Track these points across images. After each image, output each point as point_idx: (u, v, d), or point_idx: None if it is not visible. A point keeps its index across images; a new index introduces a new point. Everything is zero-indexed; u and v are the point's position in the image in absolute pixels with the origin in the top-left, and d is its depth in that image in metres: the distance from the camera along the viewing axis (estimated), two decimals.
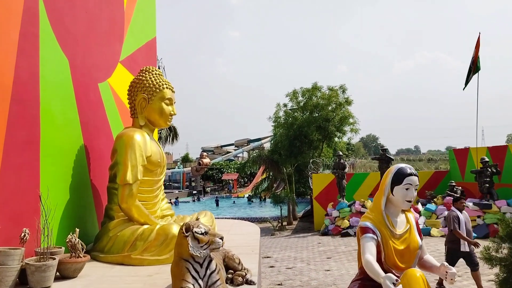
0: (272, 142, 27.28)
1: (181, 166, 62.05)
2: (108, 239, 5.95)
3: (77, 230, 5.10)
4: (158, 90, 6.59)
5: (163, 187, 7.37)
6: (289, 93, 21.78)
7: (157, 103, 6.58)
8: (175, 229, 5.76)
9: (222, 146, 70.47)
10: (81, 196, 6.54)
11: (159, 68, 15.59)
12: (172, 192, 49.17)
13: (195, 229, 3.93)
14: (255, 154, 27.22)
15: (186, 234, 3.89)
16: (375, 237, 3.90)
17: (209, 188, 51.67)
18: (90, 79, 6.94)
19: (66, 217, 5.99)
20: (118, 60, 8.04)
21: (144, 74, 6.71)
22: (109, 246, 5.89)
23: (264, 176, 28.17)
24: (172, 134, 18.50)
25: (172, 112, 6.77)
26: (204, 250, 3.91)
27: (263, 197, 31.80)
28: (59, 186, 5.85)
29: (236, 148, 67.49)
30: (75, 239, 4.95)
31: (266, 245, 14.72)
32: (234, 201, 38.51)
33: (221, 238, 3.99)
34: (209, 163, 56.01)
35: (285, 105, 22.12)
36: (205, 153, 59.01)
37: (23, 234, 4.64)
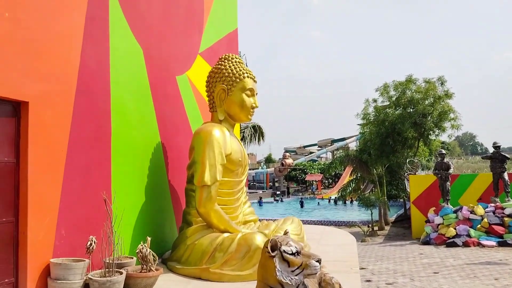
0: (359, 141, 25.64)
1: (265, 166, 62.02)
2: (185, 248, 5.28)
3: (149, 239, 4.45)
4: (238, 80, 5.81)
5: (245, 189, 6.58)
6: (380, 87, 20.07)
7: (238, 94, 5.81)
8: (259, 240, 4.92)
9: (304, 147, 69.39)
10: (158, 199, 5.97)
11: None
12: (256, 192, 49.14)
13: (283, 248, 3.01)
14: (340, 154, 25.77)
15: (273, 254, 2.98)
16: None
17: (292, 189, 50.83)
18: (167, 72, 6.37)
19: (141, 222, 5.42)
20: (197, 52, 7.43)
21: (223, 63, 5.98)
22: (186, 256, 5.21)
23: (351, 177, 26.57)
24: (258, 133, 17.73)
25: (254, 105, 5.95)
26: (296, 275, 2.97)
27: (350, 200, 30.11)
28: (132, 188, 5.30)
29: (319, 148, 66.00)
30: (146, 250, 4.30)
31: (358, 254, 13.39)
32: (318, 203, 37.23)
33: (319, 261, 3.01)
34: (292, 163, 55.21)
35: (374, 101, 20.44)
36: (287, 154, 58.31)
37: (89, 243, 4.09)
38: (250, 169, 63.99)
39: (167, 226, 6.16)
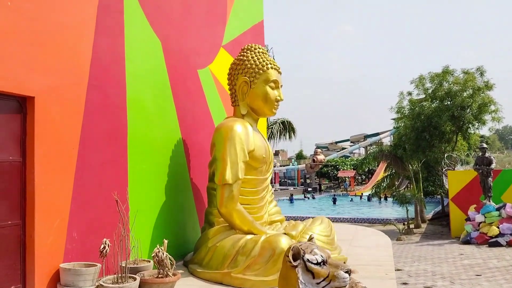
0: (393, 135, 24.79)
1: (296, 163, 61.53)
2: (206, 250, 4.98)
3: (165, 242, 4.17)
4: (261, 72, 5.45)
5: (270, 188, 6.24)
6: (415, 79, 19.20)
7: (261, 87, 5.45)
8: (284, 243, 4.56)
9: (336, 142, 68.39)
10: (180, 198, 5.71)
11: None
12: (287, 189, 48.77)
13: (307, 256, 2.64)
14: (373, 150, 24.96)
15: (294, 264, 2.62)
16: None
17: (324, 186, 50.10)
18: (187, 65, 6.09)
19: (161, 223, 5.17)
20: (220, 44, 7.12)
21: (245, 53, 5.63)
22: (208, 259, 4.92)
23: (385, 174, 25.73)
24: (288, 129, 17.20)
25: (278, 98, 5.58)
26: None
27: (384, 196, 29.19)
28: (151, 187, 5.05)
29: (352, 144, 64.87)
30: (163, 253, 4.03)
31: (393, 254, 12.79)
32: (351, 199, 36.45)
33: (348, 272, 2.62)
34: (324, 159, 54.50)
35: (409, 94, 19.58)
36: (319, 150, 57.64)
37: (102, 246, 3.85)
38: (281, 166, 63.64)
39: (190, 227, 5.90)
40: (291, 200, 32.34)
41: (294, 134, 17.49)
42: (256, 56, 5.56)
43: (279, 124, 16.05)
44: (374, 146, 43.81)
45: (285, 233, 5.53)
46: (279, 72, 5.68)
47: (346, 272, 2.60)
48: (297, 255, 2.65)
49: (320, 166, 54.61)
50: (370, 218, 23.20)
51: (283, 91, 5.70)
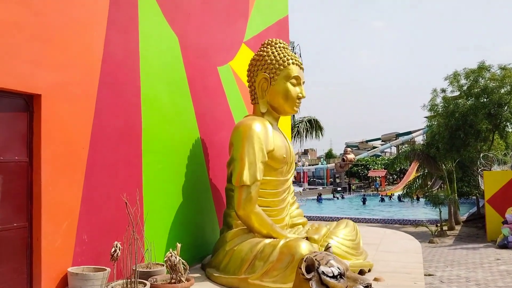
0: (426, 134, 23.96)
1: (324, 162, 60.87)
2: (224, 254, 4.79)
3: (179, 245, 4.00)
4: (282, 67, 5.21)
5: (292, 188, 5.99)
6: (449, 76, 18.41)
7: (281, 83, 5.20)
8: (304, 248, 4.31)
9: (367, 141, 67.16)
10: (198, 199, 5.54)
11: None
12: (316, 188, 48.23)
13: (322, 268, 2.39)
14: (405, 149, 24.23)
15: (308, 277, 2.37)
16: None
17: (354, 185, 49.23)
18: (207, 62, 5.91)
19: (178, 224, 5.01)
20: (241, 41, 6.91)
21: (265, 49, 5.40)
22: (225, 263, 4.72)
23: (417, 173, 24.94)
24: (315, 127, 16.71)
25: (300, 95, 5.32)
26: None
27: (416, 197, 28.29)
28: (168, 188, 4.90)
29: (383, 143, 63.57)
30: (176, 258, 3.85)
31: (425, 258, 12.25)
32: (383, 199, 35.60)
33: (368, 286, 2.35)
34: (354, 159, 53.64)
35: (443, 91, 18.82)
36: (349, 149, 56.82)
37: (113, 249, 3.71)
38: (309, 165, 63.04)
39: (209, 228, 5.72)
40: (319, 199, 31.87)
41: (321, 133, 17.05)
42: (276, 51, 5.31)
43: (305, 122, 15.66)
44: (406, 145, 42.71)
45: (306, 237, 5.31)
46: (301, 68, 5.41)
47: (365, 286, 2.34)
48: (311, 266, 2.40)
49: (350, 165, 53.81)
50: (401, 219, 22.51)
51: (305, 88, 5.43)
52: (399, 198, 32.15)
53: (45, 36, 3.40)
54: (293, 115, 15.09)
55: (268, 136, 4.96)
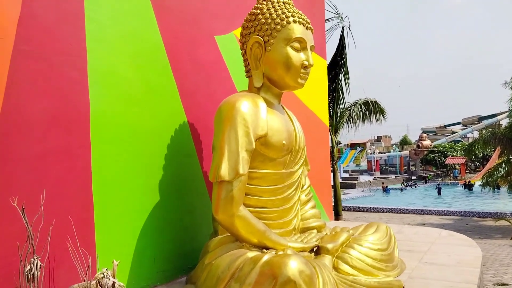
0: (510, 116, 21.05)
1: (397, 149, 57.60)
2: (202, 268, 3.74)
3: (115, 263, 3.02)
4: (279, 27, 4.00)
5: (307, 184, 4.80)
6: None
7: (279, 48, 4.00)
8: (293, 267, 3.12)
9: (446, 126, 62.46)
10: (187, 197, 4.57)
11: (342, 29, 12.69)
12: (388, 177, 45.71)
13: None
14: (487, 133, 21.53)
15: None
16: None
17: (430, 174, 45.72)
18: (198, 30, 4.86)
19: (154, 230, 4.07)
20: (253, 4, 5.74)
21: (260, 5, 4.22)
22: (202, 280, 3.67)
23: (500, 160, 22.10)
24: (375, 110, 14.79)
25: (306, 63, 4.07)
26: None
27: (497, 186, 25.04)
28: (136, 185, 3.95)
29: (464, 127, 58.60)
30: (109, 278, 2.89)
31: (500, 260, 10.25)
32: (464, 187, 32.46)
33: None
34: (430, 145, 50.02)
35: None
36: (425, 135, 53.29)
37: (29, 267, 2.84)
38: (381, 152, 59.81)
39: (202, 231, 4.70)
40: (386, 190, 29.68)
41: (383, 116, 15.17)
42: (274, 7, 4.11)
43: (359, 105, 13.99)
44: (490, 129, 38.89)
45: (318, 247, 4.12)
46: (308, 29, 4.16)
47: None
48: None
49: (426, 152, 50.48)
50: (479, 211, 20.04)
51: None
52: (468, 186, 29.19)
53: None
54: (342, 95, 13.45)
55: (258, 117, 3.82)
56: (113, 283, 2.88)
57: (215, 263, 3.60)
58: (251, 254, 3.47)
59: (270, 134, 3.87)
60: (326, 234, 4.41)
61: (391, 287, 3.81)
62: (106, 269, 2.93)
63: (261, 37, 4.03)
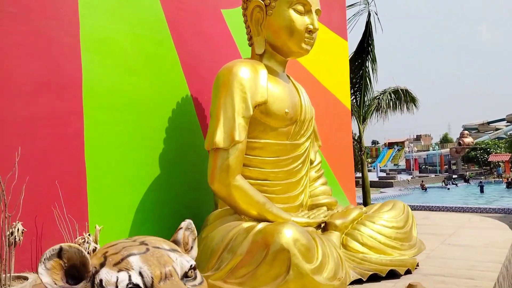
0: None
1: (437, 147, 55.55)
2: (200, 241, 3.57)
3: (98, 228, 2.89)
4: None
5: (318, 160, 4.54)
6: None
7: (281, 11, 3.77)
8: (288, 235, 2.89)
9: (489, 123, 59.76)
10: (192, 172, 4.40)
11: (369, 14, 12.22)
12: (428, 176, 44.14)
13: (102, 274, 1.05)
14: None
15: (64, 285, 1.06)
16: None
17: (472, 173, 43.76)
18: (202, 2, 4.70)
19: (153, 204, 3.94)
20: None
21: None
22: (199, 254, 3.46)
23: None
24: (406, 99, 13.94)
25: (310, 26, 3.82)
26: None
27: None
28: (132, 157, 3.83)
29: (508, 124, 55.89)
30: (90, 243, 2.75)
31: None
32: (507, 186, 30.82)
33: None
34: (472, 142, 47.91)
35: None
36: (466, 132, 51.12)
37: (10, 230, 2.76)
38: (420, 151, 57.79)
39: (206, 208, 4.48)
40: (424, 189, 28.59)
41: (415, 105, 14.39)
42: None
43: (388, 94, 13.32)
44: None
45: (325, 222, 3.87)
46: None
47: None
48: (79, 267, 1.09)
49: (467, 149, 48.44)
50: None
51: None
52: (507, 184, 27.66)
53: None
54: (370, 84, 12.89)
55: (257, 83, 3.60)
56: (94, 248, 2.74)
57: (210, 235, 3.41)
58: (246, 224, 3.27)
59: (271, 101, 3.65)
60: (338, 211, 4.14)
61: (404, 265, 3.50)
62: (89, 234, 2.80)
63: (262, 1, 3.82)
